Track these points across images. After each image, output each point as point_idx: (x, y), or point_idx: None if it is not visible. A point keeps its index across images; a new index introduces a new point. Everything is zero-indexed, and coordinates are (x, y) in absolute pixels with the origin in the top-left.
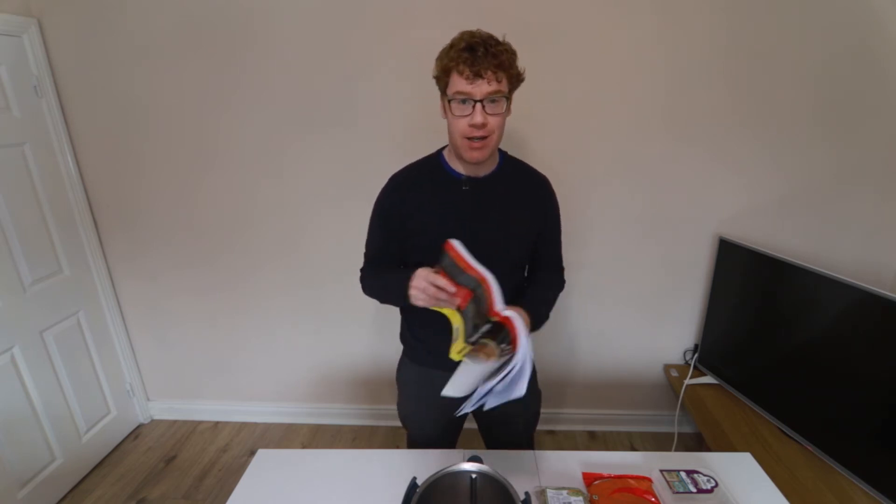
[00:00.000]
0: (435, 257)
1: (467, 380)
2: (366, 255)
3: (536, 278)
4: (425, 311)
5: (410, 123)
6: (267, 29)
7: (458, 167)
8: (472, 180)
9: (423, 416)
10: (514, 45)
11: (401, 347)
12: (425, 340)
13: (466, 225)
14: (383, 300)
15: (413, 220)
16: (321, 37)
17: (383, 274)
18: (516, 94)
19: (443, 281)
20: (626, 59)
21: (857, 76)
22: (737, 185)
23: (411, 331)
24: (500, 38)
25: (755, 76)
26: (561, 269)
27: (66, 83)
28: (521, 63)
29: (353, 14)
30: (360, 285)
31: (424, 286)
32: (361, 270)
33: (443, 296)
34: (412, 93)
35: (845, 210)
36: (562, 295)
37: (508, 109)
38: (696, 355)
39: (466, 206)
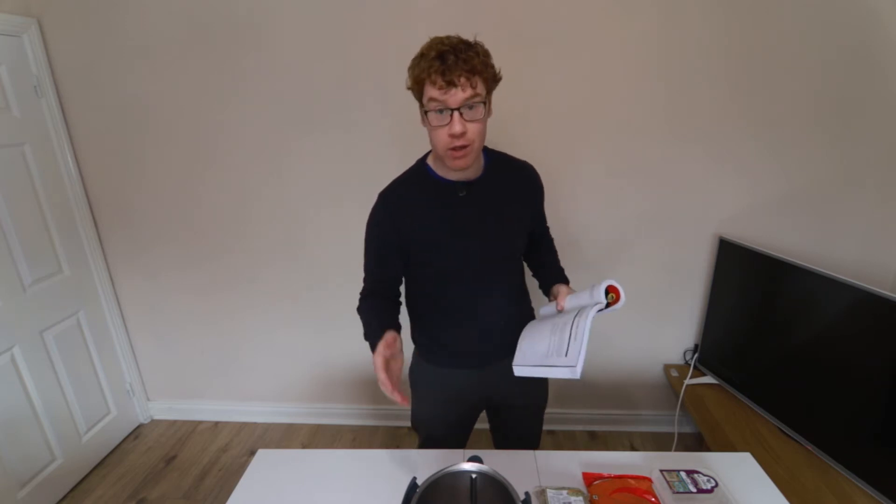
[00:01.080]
0: (441, 268)
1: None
2: (365, 280)
3: (543, 254)
4: (437, 314)
5: (410, 123)
6: (267, 29)
7: (447, 173)
8: (465, 185)
9: (438, 417)
10: (514, 46)
11: (408, 347)
12: (442, 341)
13: (470, 229)
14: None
15: (413, 235)
16: (321, 37)
17: (370, 316)
18: (516, 94)
19: (383, 377)
20: (627, 59)
21: (858, 76)
22: (737, 185)
23: (426, 332)
24: (472, 40)
25: (755, 76)
26: (548, 230)
27: (66, 83)
28: (522, 62)
29: (352, 13)
30: (358, 288)
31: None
32: (361, 294)
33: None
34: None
35: (845, 210)
36: None
37: (489, 111)
38: (696, 355)
39: (465, 210)
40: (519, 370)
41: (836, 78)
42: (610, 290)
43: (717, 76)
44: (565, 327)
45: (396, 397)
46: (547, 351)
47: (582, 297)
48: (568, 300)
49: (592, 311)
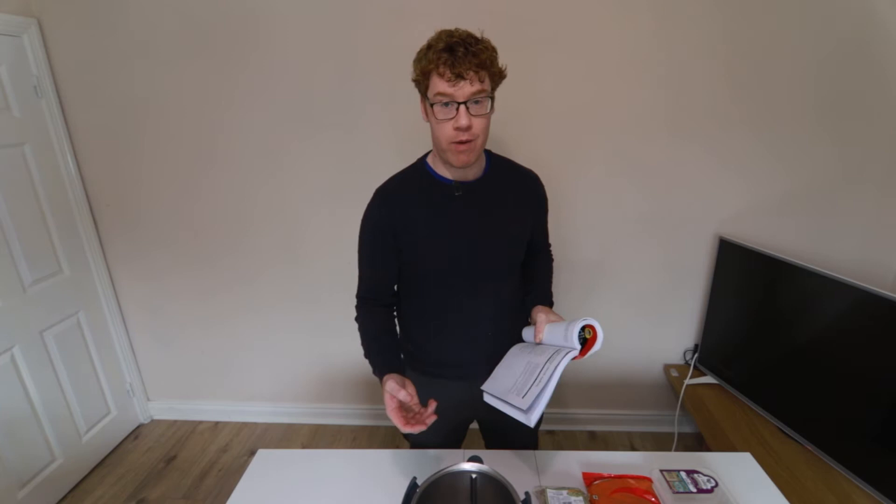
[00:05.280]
0: (431, 270)
1: (506, 377)
2: (360, 280)
3: (536, 269)
4: (426, 319)
5: (411, 123)
6: (267, 29)
7: (446, 172)
8: (463, 185)
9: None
10: (514, 46)
11: None
12: (428, 350)
13: (465, 232)
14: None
15: (407, 234)
16: (321, 37)
17: (370, 336)
18: (516, 94)
19: (406, 394)
20: (626, 59)
21: (858, 75)
22: (737, 185)
23: (412, 340)
24: (479, 35)
25: (755, 76)
26: (548, 247)
27: (66, 83)
28: (522, 62)
29: (353, 14)
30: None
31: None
32: (357, 298)
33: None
34: (413, 92)
35: (846, 210)
36: (562, 295)
37: (492, 108)
38: (696, 355)
39: (461, 212)
40: (487, 398)
41: (836, 77)
42: (587, 327)
43: (717, 76)
44: (535, 369)
45: (414, 429)
46: (512, 386)
47: (558, 330)
48: (546, 331)
49: (564, 361)
